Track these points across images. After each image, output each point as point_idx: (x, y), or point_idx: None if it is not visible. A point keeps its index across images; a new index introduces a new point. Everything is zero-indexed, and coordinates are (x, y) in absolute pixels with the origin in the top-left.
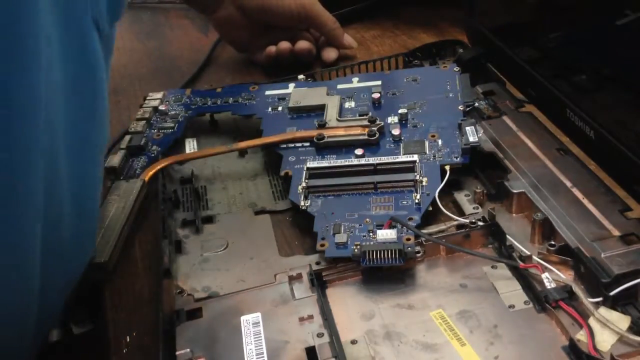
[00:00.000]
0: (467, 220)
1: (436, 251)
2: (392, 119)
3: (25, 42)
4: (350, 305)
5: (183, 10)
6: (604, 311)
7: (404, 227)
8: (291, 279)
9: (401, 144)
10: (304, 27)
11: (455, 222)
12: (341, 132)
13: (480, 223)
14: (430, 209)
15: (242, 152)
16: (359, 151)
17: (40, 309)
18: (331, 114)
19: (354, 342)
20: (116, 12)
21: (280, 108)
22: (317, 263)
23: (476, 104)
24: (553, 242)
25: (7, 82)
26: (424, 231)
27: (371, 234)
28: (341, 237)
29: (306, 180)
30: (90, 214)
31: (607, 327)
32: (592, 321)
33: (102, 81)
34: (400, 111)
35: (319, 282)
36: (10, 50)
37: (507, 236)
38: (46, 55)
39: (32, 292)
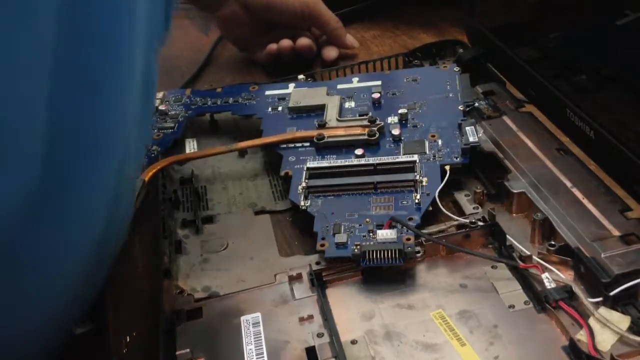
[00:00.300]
0: (467, 220)
1: (436, 251)
2: (392, 119)
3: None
4: (350, 305)
5: (183, 10)
6: (604, 311)
7: (404, 227)
8: (291, 279)
9: (401, 144)
10: (306, 27)
11: (455, 222)
12: (341, 132)
13: (480, 223)
14: (430, 209)
15: (242, 152)
16: (359, 151)
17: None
18: (331, 114)
19: (354, 342)
20: (164, 38)
21: (280, 108)
22: (317, 263)
23: (476, 104)
24: (553, 242)
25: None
26: (424, 231)
27: (371, 234)
28: (341, 237)
29: (306, 180)
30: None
31: (607, 327)
32: (592, 321)
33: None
34: (400, 111)
35: (319, 282)
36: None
37: (507, 236)
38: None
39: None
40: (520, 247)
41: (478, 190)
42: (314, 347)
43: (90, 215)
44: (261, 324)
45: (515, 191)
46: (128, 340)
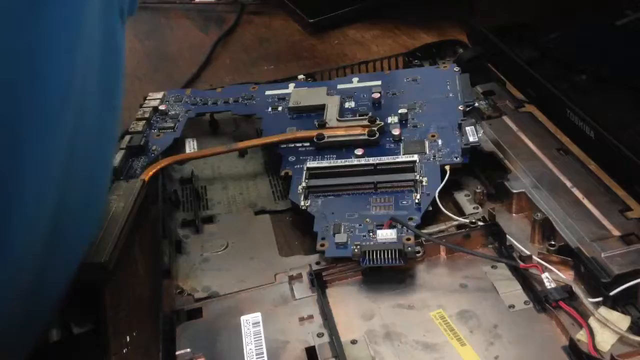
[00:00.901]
0: (467, 220)
1: (436, 251)
2: (392, 119)
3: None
4: (350, 305)
5: (183, 10)
6: (604, 311)
7: (404, 227)
8: (291, 279)
9: (401, 144)
10: None
11: (455, 222)
12: (341, 132)
13: (480, 223)
14: (430, 209)
15: (242, 152)
16: (359, 151)
17: (33, 306)
18: (331, 114)
19: (354, 342)
20: (134, 3)
21: (280, 108)
22: (317, 263)
23: (476, 104)
24: (553, 242)
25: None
26: (424, 231)
27: (371, 234)
28: (341, 237)
29: (306, 180)
30: (97, 207)
31: (607, 327)
32: (592, 321)
33: (122, 71)
34: (400, 111)
35: (319, 282)
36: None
37: (507, 236)
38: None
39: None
40: (520, 247)
41: (478, 190)
42: (314, 347)
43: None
44: (261, 324)
45: (515, 191)
46: (128, 340)
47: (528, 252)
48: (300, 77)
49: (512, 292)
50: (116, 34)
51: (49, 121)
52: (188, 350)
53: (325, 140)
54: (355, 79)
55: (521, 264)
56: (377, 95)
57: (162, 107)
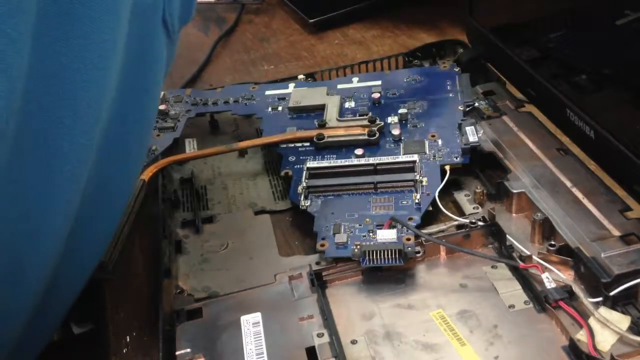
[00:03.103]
0: (467, 220)
1: (436, 251)
2: (392, 119)
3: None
4: (350, 305)
5: None
6: (604, 311)
7: (404, 227)
8: (291, 279)
9: (401, 144)
10: None
11: (455, 222)
12: (341, 132)
13: (480, 223)
14: (430, 209)
15: (242, 152)
16: (359, 151)
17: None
18: (331, 114)
19: (354, 342)
20: (188, 12)
21: (280, 108)
22: (317, 263)
23: (476, 104)
24: (553, 242)
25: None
26: (424, 231)
27: (371, 234)
28: (341, 237)
29: (306, 180)
30: (114, 218)
31: (607, 327)
32: (592, 321)
33: (157, 85)
34: (400, 111)
35: (319, 282)
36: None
37: (507, 236)
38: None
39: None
40: (520, 247)
41: (478, 190)
42: (314, 347)
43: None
44: (261, 324)
45: (515, 191)
46: (128, 340)
47: (528, 252)
48: (300, 77)
49: (512, 292)
50: (154, 43)
51: (78, 140)
52: (188, 350)
53: (325, 140)
54: (355, 79)
55: (521, 264)
56: (377, 95)
57: (162, 107)
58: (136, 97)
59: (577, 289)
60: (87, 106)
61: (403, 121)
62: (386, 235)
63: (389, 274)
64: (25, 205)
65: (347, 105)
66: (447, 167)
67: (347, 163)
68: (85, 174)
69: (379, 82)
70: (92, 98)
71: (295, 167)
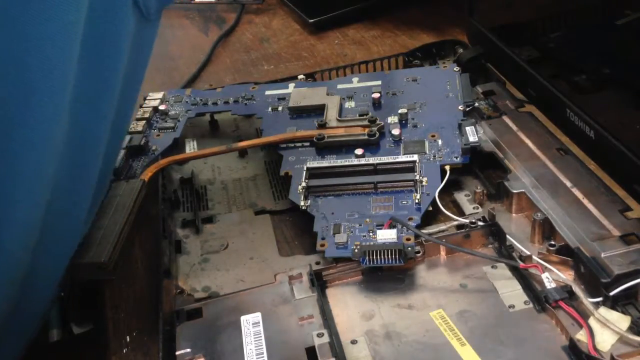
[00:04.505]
0: (467, 220)
1: (436, 251)
2: (392, 119)
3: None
4: (350, 305)
5: (183, 10)
6: (604, 311)
7: (404, 227)
8: (291, 279)
9: (401, 144)
10: None
11: (455, 222)
12: (341, 132)
13: (480, 223)
14: (430, 209)
15: (242, 152)
16: (359, 151)
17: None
18: (331, 114)
19: (354, 342)
20: None
21: (280, 108)
22: (317, 263)
23: (476, 104)
24: (553, 242)
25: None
26: (424, 231)
27: (371, 234)
28: (341, 237)
29: (306, 180)
30: (86, 191)
31: (607, 327)
32: (592, 321)
33: (131, 65)
34: (400, 111)
35: (319, 282)
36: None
37: (507, 236)
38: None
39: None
40: (520, 247)
41: (478, 190)
42: (314, 347)
43: None
44: (261, 324)
45: (515, 191)
46: (128, 340)
47: (528, 252)
48: (300, 77)
49: (512, 292)
50: (120, 27)
51: (43, 126)
52: (188, 350)
53: (325, 140)
54: (355, 79)
55: (521, 264)
56: (377, 95)
57: (162, 107)
58: (104, 79)
59: (577, 289)
60: (49, 92)
61: (403, 121)
62: (386, 235)
63: (389, 274)
64: None
65: (347, 105)
66: (447, 167)
67: (347, 163)
68: (52, 164)
69: (379, 82)
70: (55, 83)
71: (295, 167)
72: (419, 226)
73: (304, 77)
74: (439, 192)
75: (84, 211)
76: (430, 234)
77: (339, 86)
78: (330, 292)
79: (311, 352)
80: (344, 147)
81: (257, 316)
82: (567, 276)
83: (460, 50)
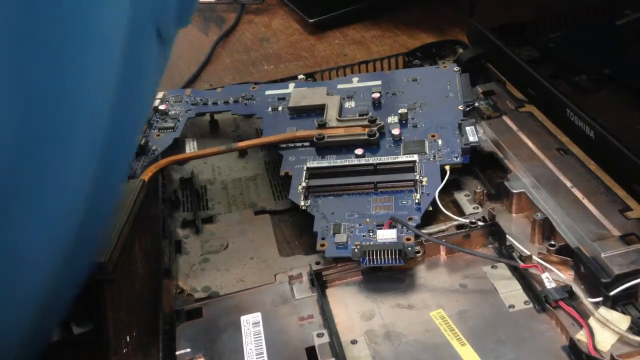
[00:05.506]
0: (467, 220)
1: (436, 251)
2: (392, 119)
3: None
4: (350, 305)
5: None
6: (604, 311)
7: (404, 227)
8: (291, 279)
9: (401, 144)
10: None
11: (455, 222)
12: (341, 132)
13: (480, 223)
14: (430, 209)
15: (242, 152)
16: (359, 151)
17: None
18: (331, 114)
19: (354, 342)
20: (185, 18)
21: (280, 108)
22: (317, 263)
23: (476, 104)
24: (553, 242)
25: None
26: (424, 231)
27: (371, 234)
28: (341, 237)
29: (306, 180)
30: (105, 214)
31: (607, 327)
32: (592, 321)
33: (149, 92)
34: (400, 111)
35: (319, 282)
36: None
37: (507, 236)
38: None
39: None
40: (520, 247)
41: (478, 190)
42: (314, 347)
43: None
44: (261, 324)
45: (515, 191)
46: (128, 340)
47: (528, 252)
48: (300, 77)
49: (512, 292)
50: (147, 58)
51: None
52: (188, 350)
53: (325, 140)
54: (355, 79)
55: (521, 264)
56: (377, 95)
57: (162, 107)
58: (129, 106)
59: (577, 289)
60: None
61: (403, 121)
62: (386, 235)
63: (389, 274)
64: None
65: (347, 105)
66: (447, 167)
67: (347, 163)
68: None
69: (379, 82)
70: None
71: (295, 167)
72: (419, 226)
73: (304, 77)
74: (439, 192)
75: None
76: (430, 234)
77: (339, 86)
78: (330, 292)
79: (311, 352)
80: (344, 147)
81: (257, 316)
82: (567, 276)
83: (460, 50)
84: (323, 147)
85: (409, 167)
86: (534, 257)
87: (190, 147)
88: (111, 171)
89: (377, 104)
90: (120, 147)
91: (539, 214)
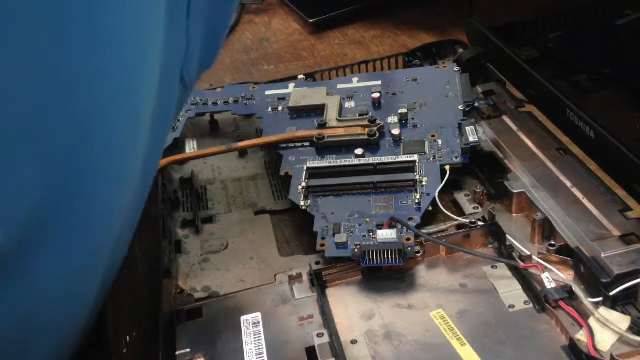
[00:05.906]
0: (467, 220)
1: (436, 251)
2: (392, 119)
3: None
4: (350, 305)
5: None
6: (604, 311)
7: (404, 227)
8: (291, 279)
9: (401, 144)
10: None
11: (455, 222)
12: (341, 132)
13: (480, 223)
14: (430, 209)
15: (242, 152)
16: (359, 151)
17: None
18: (331, 114)
19: (354, 342)
20: (209, 62)
21: (280, 108)
22: (317, 263)
23: (476, 104)
24: (553, 242)
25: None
26: (424, 231)
27: (371, 234)
28: (341, 237)
29: (306, 180)
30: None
31: (607, 327)
32: (592, 321)
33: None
34: (400, 111)
35: (319, 282)
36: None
37: (507, 236)
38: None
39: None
40: (520, 247)
41: (478, 190)
42: (314, 347)
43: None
44: (261, 324)
45: (515, 191)
46: (128, 340)
47: (528, 252)
48: (300, 77)
49: (512, 292)
50: (171, 100)
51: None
52: (188, 350)
53: (325, 140)
54: (355, 79)
55: (521, 264)
56: (377, 95)
57: None
58: (154, 145)
59: (577, 289)
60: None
61: (403, 121)
62: (386, 235)
63: (389, 274)
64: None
65: (347, 105)
66: (447, 167)
67: (347, 163)
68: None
69: (379, 82)
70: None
71: (295, 167)
72: (419, 226)
73: (304, 77)
74: (439, 192)
75: None
76: (430, 234)
77: (339, 86)
78: (330, 292)
79: (311, 352)
80: (344, 147)
81: (257, 316)
82: (567, 276)
83: (460, 50)
84: (323, 147)
85: (409, 167)
86: (534, 257)
87: (190, 147)
88: (138, 210)
89: (377, 104)
90: (146, 185)
91: (538, 214)
